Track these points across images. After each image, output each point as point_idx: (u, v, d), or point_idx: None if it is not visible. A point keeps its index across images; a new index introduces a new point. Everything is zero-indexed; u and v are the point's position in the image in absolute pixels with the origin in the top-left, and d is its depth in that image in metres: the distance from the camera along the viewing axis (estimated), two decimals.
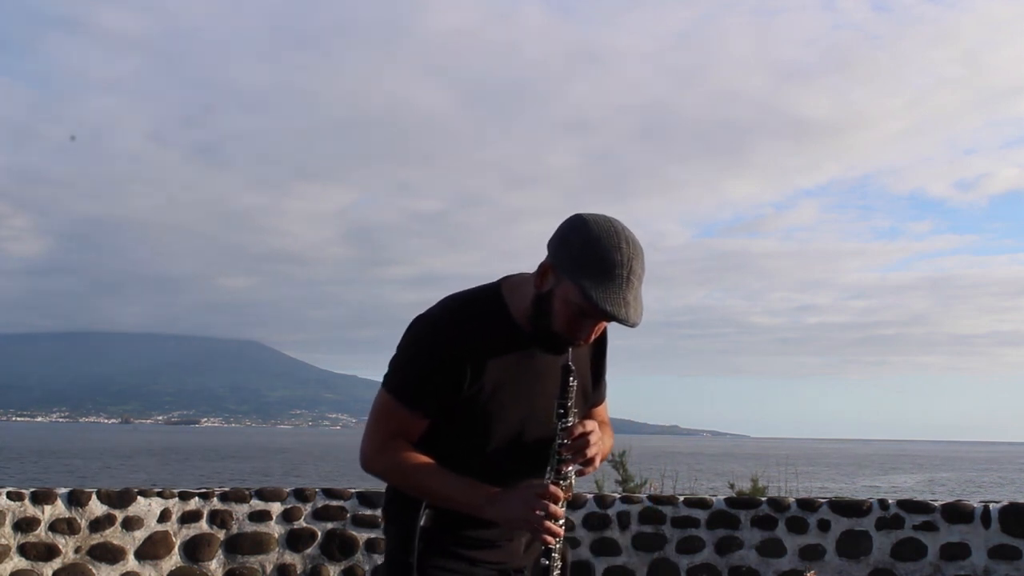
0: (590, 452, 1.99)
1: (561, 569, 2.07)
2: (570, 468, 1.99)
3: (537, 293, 2.00)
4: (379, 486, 7.49)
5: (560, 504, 1.97)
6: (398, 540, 2.12)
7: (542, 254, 2.04)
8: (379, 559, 5.80)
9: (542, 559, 2.00)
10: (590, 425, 2.01)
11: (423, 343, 2.04)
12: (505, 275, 2.14)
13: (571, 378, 1.99)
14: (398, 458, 2.06)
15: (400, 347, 2.08)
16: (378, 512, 5.86)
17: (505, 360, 2.04)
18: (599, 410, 2.28)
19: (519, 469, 2.06)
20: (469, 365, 2.00)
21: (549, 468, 1.99)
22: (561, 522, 1.97)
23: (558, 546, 2.00)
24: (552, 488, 1.96)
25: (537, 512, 1.94)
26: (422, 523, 2.07)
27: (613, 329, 2.13)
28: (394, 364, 2.07)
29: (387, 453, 2.07)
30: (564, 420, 1.99)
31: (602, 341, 2.19)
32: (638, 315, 1.92)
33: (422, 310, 2.11)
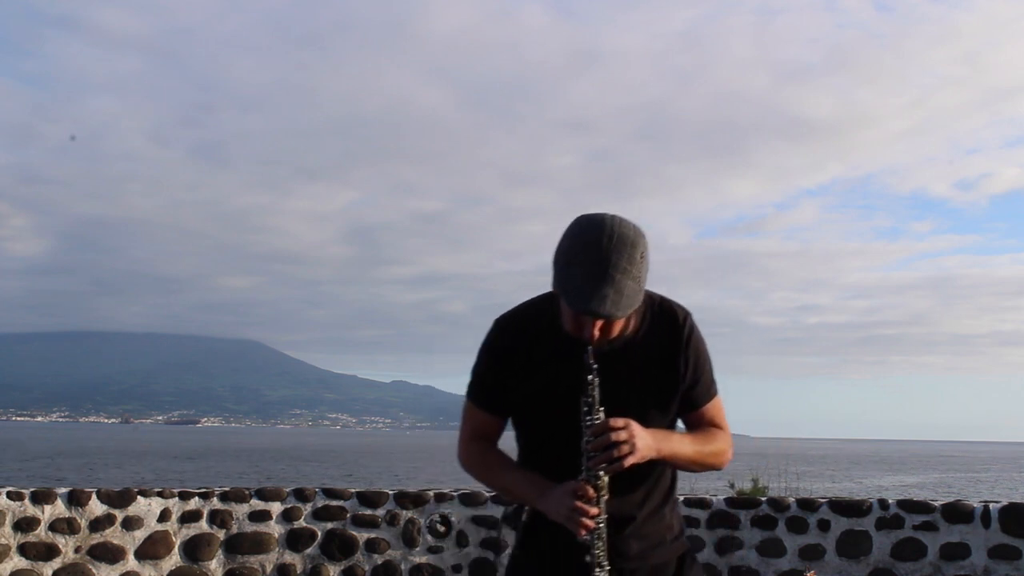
0: (618, 451, 1.98)
1: (679, 567, 2.22)
2: (601, 465, 2.00)
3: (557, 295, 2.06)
4: (379, 486, 7.42)
5: (594, 502, 2.00)
6: (516, 536, 2.28)
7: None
8: (379, 559, 5.81)
9: (586, 556, 2.04)
10: (619, 422, 2.00)
11: (483, 344, 2.21)
12: None
13: (591, 376, 2.01)
14: (475, 456, 2.24)
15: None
16: (378, 512, 5.87)
17: (556, 360, 2.11)
18: (706, 410, 2.22)
19: (572, 462, 2.08)
20: (518, 362, 2.13)
21: (582, 466, 2.03)
22: (601, 518, 2.01)
23: (599, 543, 2.03)
24: (581, 485, 2.00)
25: (569, 509, 2.00)
26: (524, 519, 2.21)
27: None
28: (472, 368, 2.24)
29: (466, 452, 2.26)
30: (588, 418, 2.01)
31: (679, 339, 2.16)
32: (617, 307, 1.93)
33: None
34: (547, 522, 2.13)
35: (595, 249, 1.93)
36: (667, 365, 2.15)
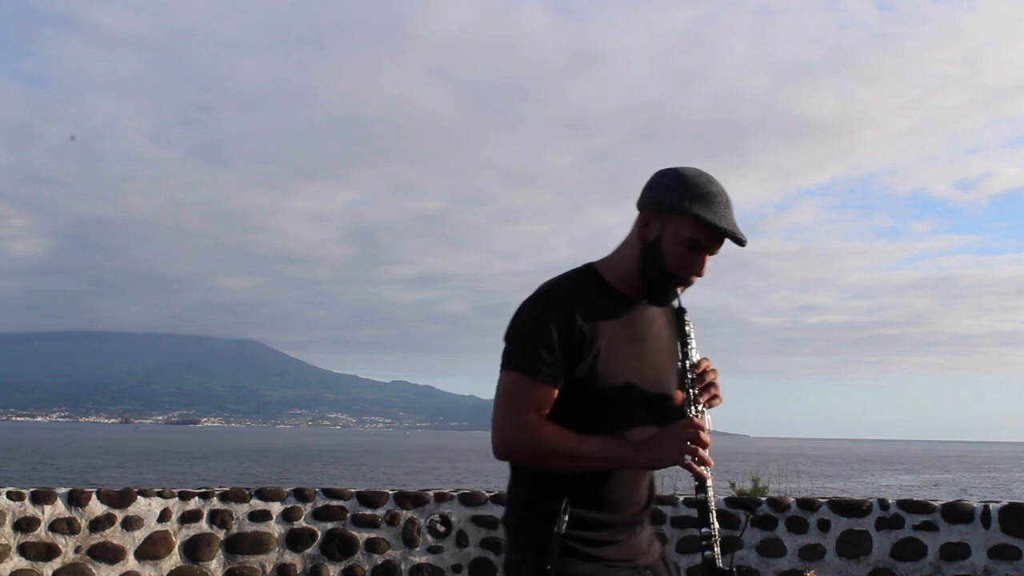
0: (717, 385, 2.08)
1: (664, 565, 2.17)
2: (702, 402, 2.06)
3: (644, 245, 2.10)
4: (379, 486, 7.39)
5: (705, 434, 2.01)
6: (532, 548, 2.05)
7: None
8: (379, 559, 5.80)
9: (699, 493, 2.03)
10: (708, 361, 2.10)
11: (532, 315, 2.07)
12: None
13: (686, 317, 2.10)
14: (537, 432, 2.03)
15: (512, 327, 2.10)
16: (378, 512, 5.86)
17: (612, 323, 2.10)
18: None
19: (641, 428, 2.10)
20: (579, 327, 2.04)
21: (685, 406, 2.05)
22: (709, 452, 2.02)
23: (711, 480, 2.05)
24: (696, 420, 2.00)
25: (688, 443, 1.98)
26: (557, 528, 2.03)
27: None
28: (509, 343, 2.08)
29: (526, 430, 2.03)
30: (689, 358, 2.08)
31: (681, 329, 2.19)
32: (744, 236, 2.07)
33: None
34: (588, 531, 2.05)
35: (714, 185, 2.07)
36: (675, 348, 2.20)
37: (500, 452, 2.06)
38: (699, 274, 2.10)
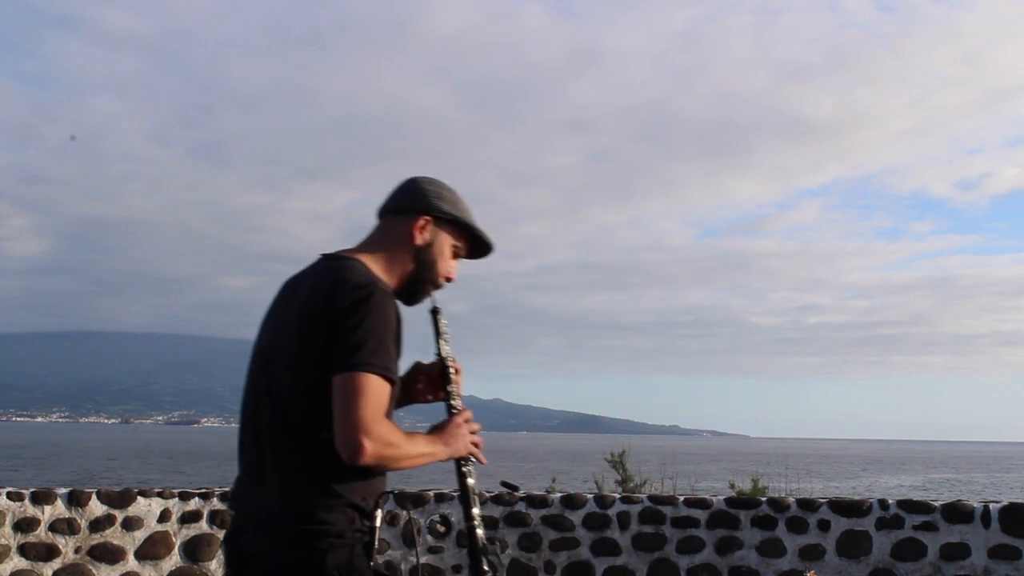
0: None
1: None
2: (460, 395, 2.24)
3: (416, 248, 2.18)
4: None
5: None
6: (352, 544, 2.14)
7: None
8: (379, 559, 5.79)
9: (466, 479, 2.16)
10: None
11: (387, 315, 1.98)
12: (330, 253, 2.14)
13: (440, 316, 2.25)
14: (399, 436, 1.97)
15: (367, 323, 1.94)
16: None
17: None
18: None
19: None
20: (402, 330, 2.07)
21: (453, 400, 2.22)
22: None
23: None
24: (468, 414, 2.20)
25: (475, 437, 2.18)
26: (382, 525, 2.11)
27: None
28: (365, 341, 1.93)
29: (392, 435, 1.95)
30: (448, 354, 2.25)
31: (436, 317, 2.25)
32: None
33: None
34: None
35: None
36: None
37: (369, 457, 1.92)
38: (452, 279, 2.24)
